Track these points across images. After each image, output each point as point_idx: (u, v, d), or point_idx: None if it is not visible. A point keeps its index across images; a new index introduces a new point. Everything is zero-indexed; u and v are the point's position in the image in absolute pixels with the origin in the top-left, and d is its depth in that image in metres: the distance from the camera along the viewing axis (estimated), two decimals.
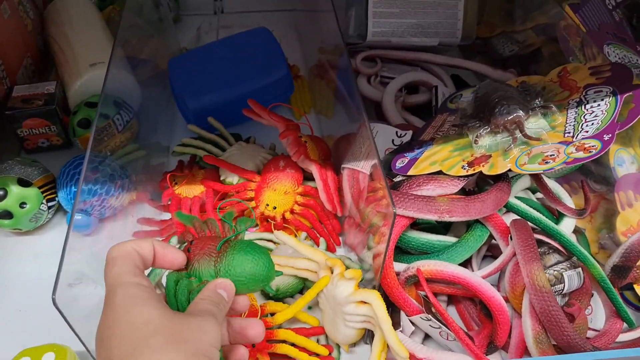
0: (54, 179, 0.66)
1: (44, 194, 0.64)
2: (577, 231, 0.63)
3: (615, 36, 0.74)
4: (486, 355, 0.51)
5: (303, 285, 0.57)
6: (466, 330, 0.54)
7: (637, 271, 0.56)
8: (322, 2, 0.70)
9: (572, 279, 0.53)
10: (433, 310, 0.52)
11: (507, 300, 0.53)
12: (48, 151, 0.74)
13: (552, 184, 0.62)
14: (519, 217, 0.56)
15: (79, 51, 0.76)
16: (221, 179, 0.64)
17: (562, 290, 0.52)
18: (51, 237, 0.66)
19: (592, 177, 0.65)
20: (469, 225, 0.57)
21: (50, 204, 0.65)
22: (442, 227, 0.59)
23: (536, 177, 0.61)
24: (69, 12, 0.82)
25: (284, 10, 0.97)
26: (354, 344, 0.54)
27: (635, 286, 0.57)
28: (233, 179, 0.63)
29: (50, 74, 0.86)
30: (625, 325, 0.55)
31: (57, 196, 0.65)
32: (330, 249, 0.61)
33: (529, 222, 0.55)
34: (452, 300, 0.58)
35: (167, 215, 0.65)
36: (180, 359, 0.30)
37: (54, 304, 0.38)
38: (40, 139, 0.73)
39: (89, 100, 0.71)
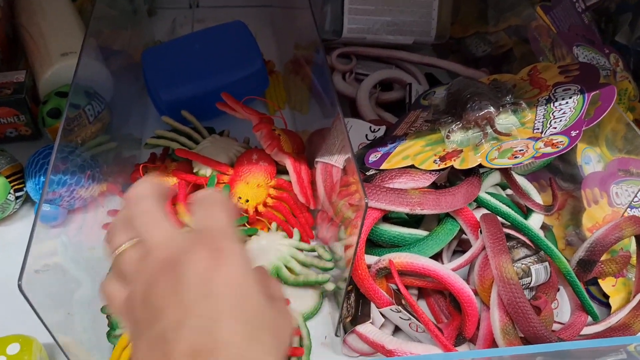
0: (22, 168, 0.65)
1: (12, 184, 0.63)
2: (545, 227, 0.64)
3: (585, 38, 0.76)
4: (454, 346, 0.52)
5: (276, 277, 0.57)
6: (435, 322, 0.55)
7: (602, 266, 0.57)
8: None
9: (539, 272, 0.54)
10: (403, 302, 0.53)
11: (476, 293, 0.54)
12: (16, 141, 0.73)
13: (521, 181, 0.63)
14: (489, 212, 0.57)
15: (51, 40, 0.74)
16: (194, 171, 0.64)
17: (530, 283, 0.53)
18: (19, 228, 0.65)
19: (560, 175, 0.66)
20: (440, 219, 0.58)
21: (18, 194, 0.64)
22: (413, 221, 0.60)
23: (506, 174, 0.62)
24: (41, 2, 0.81)
25: (260, 5, 0.97)
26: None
27: (599, 281, 0.59)
28: (206, 171, 0.63)
29: (19, 63, 0.84)
30: (589, 319, 0.57)
31: (25, 186, 0.64)
32: (304, 239, 0.61)
33: (498, 217, 0.56)
34: (422, 293, 0.59)
35: None
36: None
37: (20, 289, 0.37)
38: (8, 129, 0.72)
39: (60, 90, 0.70)
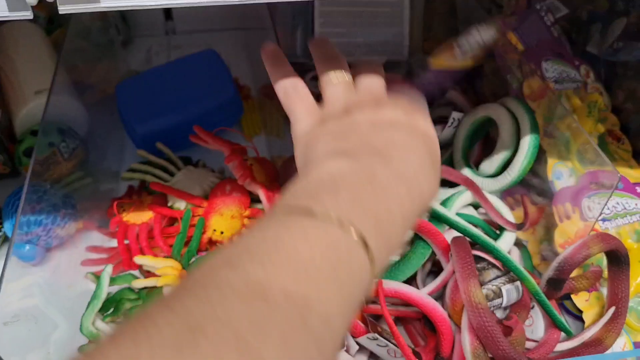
0: (0, 209, 0.66)
1: None
2: (519, 244, 0.65)
3: (554, 52, 0.76)
4: None
5: None
6: (413, 347, 0.55)
7: (573, 282, 0.58)
8: (269, 21, 0.71)
9: (510, 292, 0.54)
10: (379, 329, 0.53)
11: (450, 316, 0.54)
12: None
13: (493, 199, 0.64)
14: (459, 235, 0.57)
15: (25, 78, 0.75)
16: (169, 204, 0.64)
17: (501, 304, 0.54)
18: None
19: (533, 190, 0.67)
20: (411, 242, 0.59)
21: None
22: None
23: (477, 192, 0.62)
24: (15, 37, 0.82)
25: (235, 29, 0.97)
26: None
27: (572, 296, 0.60)
28: (180, 204, 0.64)
29: None
30: (564, 334, 0.57)
31: (2, 227, 0.65)
32: None
33: (468, 239, 0.56)
34: (399, 318, 0.59)
35: (116, 242, 0.65)
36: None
37: None
38: None
39: (35, 129, 0.70)
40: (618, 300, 0.57)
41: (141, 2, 0.33)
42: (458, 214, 0.61)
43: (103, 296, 0.53)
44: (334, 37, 0.78)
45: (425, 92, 0.61)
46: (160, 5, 0.34)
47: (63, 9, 0.33)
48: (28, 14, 0.32)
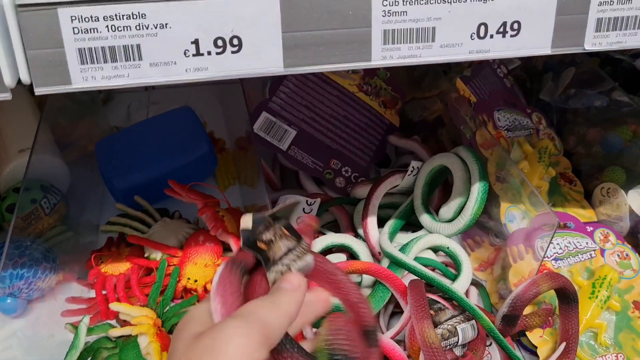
0: None
1: None
2: (477, 284, 0.69)
3: (506, 102, 0.82)
4: None
5: None
6: None
7: (526, 319, 0.62)
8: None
9: (465, 331, 0.58)
10: None
11: (409, 357, 0.58)
12: None
13: (452, 243, 0.68)
14: (415, 278, 0.61)
15: (9, 137, 0.79)
16: (145, 255, 0.68)
17: (457, 342, 0.58)
18: None
19: (491, 232, 0.71)
20: (372, 286, 0.62)
21: None
22: None
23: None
24: None
25: (211, 83, 1.02)
26: None
27: (527, 333, 0.63)
28: (157, 255, 0.67)
29: None
30: None
31: None
32: None
33: (424, 281, 0.60)
34: None
35: (94, 293, 0.68)
36: None
37: None
38: None
39: (17, 186, 0.74)
40: (569, 336, 0.61)
41: (110, 83, 0.37)
42: (417, 258, 0.65)
43: (81, 346, 0.55)
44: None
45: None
46: (129, 84, 0.38)
47: (39, 91, 0.37)
48: (7, 96, 0.37)
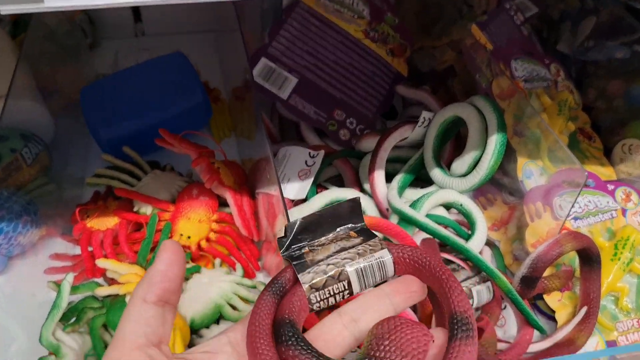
0: None
1: None
2: (491, 244, 0.64)
3: (523, 50, 0.76)
4: None
5: (219, 315, 0.56)
6: None
7: (545, 282, 0.57)
8: (236, 23, 0.70)
9: (481, 293, 0.54)
10: None
11: (420, 320, 0.54)
12: None
13: (464, 199, 0.63)
14: (429, 236, 0.56)
15: None
16: (135, 209, 0.63)
17: (472, 305, 0.53)
18: None
19: (505, 189, 0.67)
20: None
21: None
22: None
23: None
24: None
25: (205, 31, 0.96)
26: None
27: (545, 296, 0.59)
28: (147, 209, 0.62)
29: None
30: (537, 334, 0.57)
31: None
32: (248, 275, 0.60)
33: (438, 240, 0.56)
34: None
35: (80, 250, 0.63)
36: None
37: None
38: None
39: None
40: (590, 300, 0.57)
41: (86, 2, 0.32)
42: (428, 215, 0.60)
43: (63, 305, 0.51)
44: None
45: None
46: (108, 4, 0.32)
47: (4, 9, 0.32)
48: None
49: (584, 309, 0.56)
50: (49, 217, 0.64)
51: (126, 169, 0.67)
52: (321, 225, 0.33)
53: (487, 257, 0.62)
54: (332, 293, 0.32)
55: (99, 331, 0.52)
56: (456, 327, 0.30)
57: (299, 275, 0.31)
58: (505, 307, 0.59)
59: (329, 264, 0.31)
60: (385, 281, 0.33)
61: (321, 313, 0.35)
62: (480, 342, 0.50)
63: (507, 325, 0.59)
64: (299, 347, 0.28)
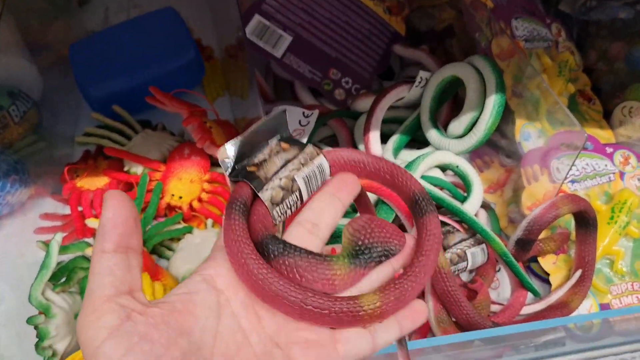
0: None
1: None
2: (487, 206, 0.64)
3: (525, 9, 0.74)
4: None
5: None
6: None
7: (540, 244, 0.57)
8: None
9: (475, 255, 0.53)
10: None
11: None
12: None
13: (461, 161, 0.62)
14: None
15: None
16: (125, 169, 0.62)
17: (466, 267, 0.53)
18: None
19: (502, 152, 0.66)
20: (375, 206, 0.57)
21: None
22: (351, 210, 0.59)
23: None
24: None
25: None
26: None
27: (539, 259, 0.59)
28: (137, 169, 0.61)
29: None
30: (530, 297, 0.57)
31: None
32: None
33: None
34: None
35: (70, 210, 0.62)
36: None
37: None
38: None
39: None
40: (585, 263, 0.56)
41: None
42: (424, 177, 0.59)
43: (52, 265, 0.50)
44: None
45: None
46: None
47: None
48: None
49: (579, 272, 0.56)
50: (39, 176, 0.62)
51: (116, 128, 0.66)
52: (257, 141, 0.34)
53: (482, 220, 0.62)
54: (288, 205, 0.33)
55: None
56: (422, 204, 0.34)
57: (259, 194, 0.31)
58: (499, 269, 0.59)
59: (280, 178, 0.32)
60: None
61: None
62: (474, 304, 0.50)
63: (501, 288, 0.59)
64: (296, 253, 0.29)
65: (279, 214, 0.32)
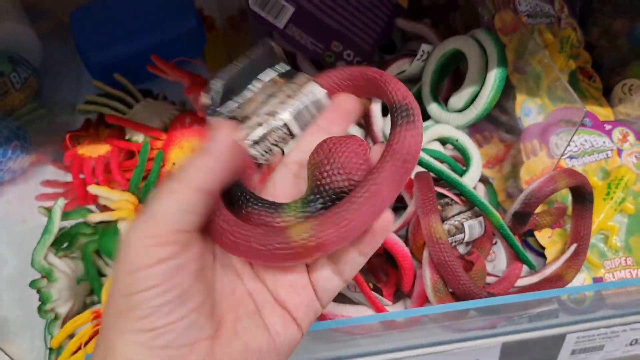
0: None
1: None
2: (485, 180, 0.64)
3: None
4: (394, 301, 0.52)
5: None
6: (374, 282, 0.55)
7: (537, 218, 0.58)
8: None
9: (473, 227, 0.54)
10: None
11: (412, 252, 0.54)
12: None
13: (461, 135, 0.62)
14: (423, 169, 0.56)
15: None
16: (126, 137, 0.62)
17: (463, 239, 0.54)
18: None
19: (501, 126, 0.66)
20: None
21: None
22: None
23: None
24: None
25: None
26: None
27: (535, 233, 0.59)
28: (139, 137, 0.61)
29: None
30: (526, 269, 0.58)
31: None
32: None
33: (432, 174, 0.55)
34: None
35: (71, 177, 0.63)
36: None
37: None
38: None
39: None
40: (580, 237, 0.57)
41: None
42: (423, 150, 0.59)
43: (55, 230, 0.51)
44: None
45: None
46: None
47: None
48: None
49: (574, 246, 0.57)
50: (40, 143, 0.63)
51: (118, 96, 0.66)
52: (244, 79, 0.32)
53: (480, 194, 0.62)
54: (274, 142, 0.31)
55: (91, 257, 0.52)
56: (396, 114, 0.29)
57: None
58: (496, 242, 0.60)
59: (260, 115, 0.30)
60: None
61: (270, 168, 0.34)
62: (470, 275, 0.51)
63: (497, 260, 0.60)
64: (250, 203, 0.28)
65: (262, 152, 0.30)
